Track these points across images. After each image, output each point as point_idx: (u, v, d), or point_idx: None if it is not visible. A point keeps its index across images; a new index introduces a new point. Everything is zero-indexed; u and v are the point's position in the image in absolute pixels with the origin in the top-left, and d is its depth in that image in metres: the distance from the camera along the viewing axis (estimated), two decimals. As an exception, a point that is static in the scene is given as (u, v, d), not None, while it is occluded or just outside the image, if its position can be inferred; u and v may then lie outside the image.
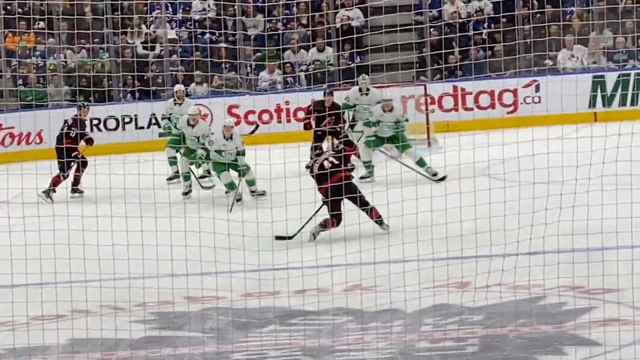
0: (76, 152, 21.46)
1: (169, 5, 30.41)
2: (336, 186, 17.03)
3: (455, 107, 27.21)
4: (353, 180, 18.02)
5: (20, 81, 30.53)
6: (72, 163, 21.45)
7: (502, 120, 25.24)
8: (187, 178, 21.04)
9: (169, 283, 12.74)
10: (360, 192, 17.15)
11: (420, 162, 20.85)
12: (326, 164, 17.34)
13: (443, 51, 26.48)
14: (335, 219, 16.98)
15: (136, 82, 28.24)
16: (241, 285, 13.01)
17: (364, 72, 23.36)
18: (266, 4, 28.98)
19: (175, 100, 23.82)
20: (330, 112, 22.10)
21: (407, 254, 13.40)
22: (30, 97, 29.56)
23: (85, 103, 24.12)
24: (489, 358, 12.63)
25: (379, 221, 16.85)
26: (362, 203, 16.86)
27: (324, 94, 23.25)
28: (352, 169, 19.48)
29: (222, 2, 29.12)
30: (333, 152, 18.16)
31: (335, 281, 13.41)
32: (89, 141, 21.87)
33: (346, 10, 28.43)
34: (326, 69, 27.85)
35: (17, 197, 17.18)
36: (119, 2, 29.28)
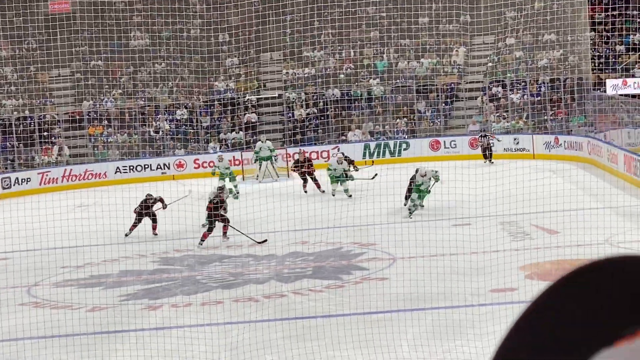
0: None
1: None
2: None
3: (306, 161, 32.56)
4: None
5: None
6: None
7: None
8: None
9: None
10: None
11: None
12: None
13: (292, 131, 39.52)
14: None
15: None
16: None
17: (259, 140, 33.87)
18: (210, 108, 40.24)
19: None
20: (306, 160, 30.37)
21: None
22: None
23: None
24: (319, 268, 19.89)
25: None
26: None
27: (299, 151, 31.83)
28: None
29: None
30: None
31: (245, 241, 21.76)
32: None
33: (249, 114, 40.19)
34: (238, 142, 39.17)
35: None
36: None
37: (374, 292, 17.30)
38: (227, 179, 29.74)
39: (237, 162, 35.65)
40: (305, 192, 29.84)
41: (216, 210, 22.85)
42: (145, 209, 23.34)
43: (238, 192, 29.72)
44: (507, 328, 0.68)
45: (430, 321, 15.86)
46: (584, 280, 0.70)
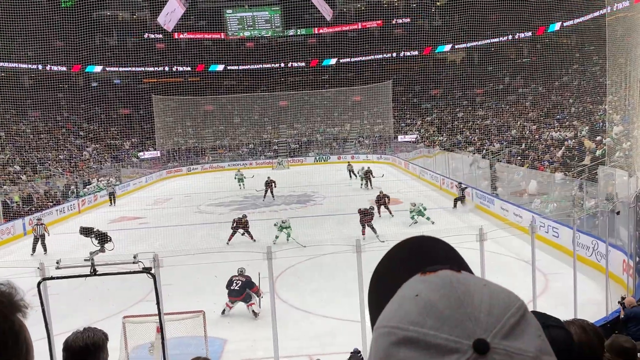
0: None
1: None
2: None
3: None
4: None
5: None
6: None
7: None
8: None
9: None
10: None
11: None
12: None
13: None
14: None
15: None
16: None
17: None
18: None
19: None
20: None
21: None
22: None
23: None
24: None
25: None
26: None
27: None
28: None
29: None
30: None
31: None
32: None
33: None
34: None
35: None
36: None
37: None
38: (240, 182, 43.94)
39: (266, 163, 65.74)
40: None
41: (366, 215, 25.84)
42: None
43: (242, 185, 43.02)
44: (378, 262, 1.26)
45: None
46: (409, 245, 1.26)
